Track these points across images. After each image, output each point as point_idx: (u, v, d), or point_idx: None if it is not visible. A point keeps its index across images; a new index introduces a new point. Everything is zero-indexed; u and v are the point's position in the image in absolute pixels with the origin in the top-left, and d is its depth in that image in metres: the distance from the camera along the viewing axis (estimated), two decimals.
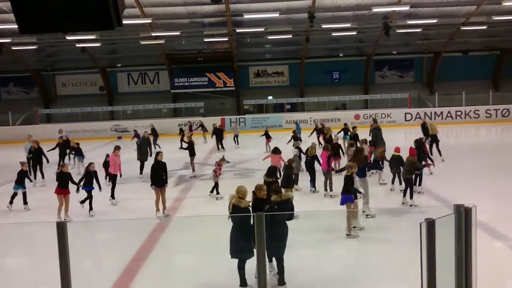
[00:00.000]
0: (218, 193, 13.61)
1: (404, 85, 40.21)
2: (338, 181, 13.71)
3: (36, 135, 27.18)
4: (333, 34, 33.83)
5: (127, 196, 14.33)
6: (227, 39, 34.05)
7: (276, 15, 28.64)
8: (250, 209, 7.59)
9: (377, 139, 16.29)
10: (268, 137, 23.18)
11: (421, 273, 4.25)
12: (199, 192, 14.99)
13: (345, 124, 22.57)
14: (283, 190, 10.76)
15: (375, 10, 28.28)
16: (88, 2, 2.99)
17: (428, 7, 30.26)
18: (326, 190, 13.55)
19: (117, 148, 14.68)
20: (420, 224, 4.16)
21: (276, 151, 15.79)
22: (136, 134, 26.95)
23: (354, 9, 30.10)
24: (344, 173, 10.86)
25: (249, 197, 7.63)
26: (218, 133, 24.85)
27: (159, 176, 11.80)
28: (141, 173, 17.35)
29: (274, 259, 7.44)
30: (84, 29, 3.16)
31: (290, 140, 19.62)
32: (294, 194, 11.77)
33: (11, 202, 13.21)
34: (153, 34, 32.12)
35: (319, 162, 13.91)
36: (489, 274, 6.99)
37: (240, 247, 7.05)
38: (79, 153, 19.10)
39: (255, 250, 5.11)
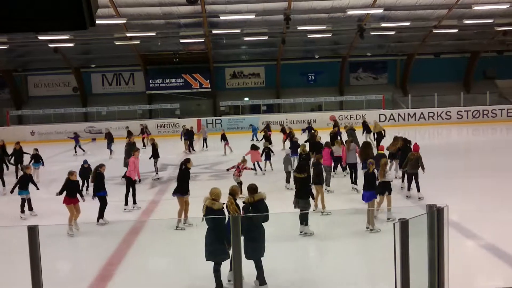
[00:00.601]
0: (241, 192, 11.99)
1: (378, 86, 40.77)
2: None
3: (7, 137, 26.59)
4: (309, 36, 34.09)
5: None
6: (203, 40, 33.93)
7: (252, 16, 28.69)
8: (225, 211, 7.57)
9: (353, 139, 16.69)
10: (225, 140, 23.28)
11: (395, 271, 4.31)
12: None
13: (309, 123, 23.04)
14: (313, 187, 10.98)
15: (350, 12, 28.61)
16: (60, 1, 2.93)
17: (401, 10, 30.77)
18: (327, 185, 13.84)
19: (137, 150, 14.26)
20: (394, 224, 4.22)
21: (255, 147, 16.10)
22: (75, 137, 26.04)
23: (329, 11, 30.38)
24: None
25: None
26: (189, 135, 24.56)
27: (186, 183, 11.29)
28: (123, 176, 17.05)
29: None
30: (56, 29, 3.07)
31: (261, 139, 19.96)
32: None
33: (22, 211, 12.42)
34: (128, 35, 31.76)
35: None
36: (461, 272, 7.14)
37: (215, 249, 7.01)
38: (37, 160, 17.68)
39: (230, 252, 5.10)
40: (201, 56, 37.63)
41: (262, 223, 7.28)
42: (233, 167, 14.24)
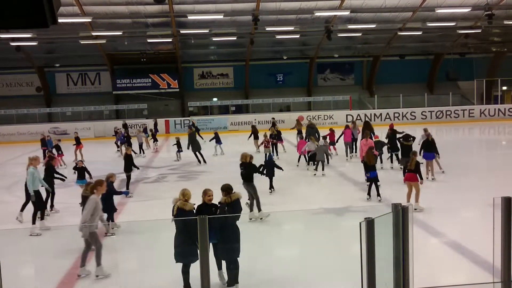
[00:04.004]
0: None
1: (345, 87, 41.37)
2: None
3: None
4: (277, 36, 34.28)
5: (69, 201, 13.78)
6: (171, 40, 33.63)
7: (221, 17, 28.62)
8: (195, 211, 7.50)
9: (310, 134, 19.21)
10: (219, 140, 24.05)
11: (361, 269, 4.37)
12: (141, 196, 14.68)
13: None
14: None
15: (317, 14, 28.91)
16: None
17: (367, 12, 31.34)
18: (347, 155, 19.55)
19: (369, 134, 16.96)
20: (360, 223, 4.27)
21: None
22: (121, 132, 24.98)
23: (297, 12, 30.64)
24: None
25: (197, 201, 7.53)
26: (127, 139, 23.53)
27: None
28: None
29: (224, 267, 7.38)
30: (16, 26, 2.98)
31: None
32: None
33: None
34: (93, 34, 31.15)
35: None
36: (425, 269, 7.31)
37: (185, 251, 6.94)
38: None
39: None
40: (169, 56, 37.28)
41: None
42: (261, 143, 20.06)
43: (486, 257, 7.73)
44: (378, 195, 12.34)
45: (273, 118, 28.23)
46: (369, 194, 12.56)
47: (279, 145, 21.23)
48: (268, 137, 19.90)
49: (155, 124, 30.28)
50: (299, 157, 18.41)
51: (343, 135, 19.83)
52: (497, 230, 4.45)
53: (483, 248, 7.94)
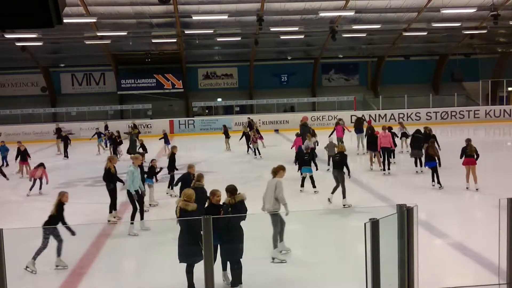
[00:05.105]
0: (259, 153, 20.91)
1: (350, 88, 41.28)
2: None
3: None
4: (282, 37, 34.25)
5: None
6: (175, 40, 33.68)
7: (225, 17, 28.65)
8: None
9: (304, 132, 19.24)
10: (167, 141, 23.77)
11: (365, 270, 4.35)
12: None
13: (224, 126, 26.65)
14: None
15: (322, 14, 28.87)
16: None
17: (372, 12, 31.27)
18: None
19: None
20: (365, 224, 4.26)
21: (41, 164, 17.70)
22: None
23: (302, 13, 30.61)
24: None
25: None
26: (113, 141, 23.22)
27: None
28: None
29: (228, 268, 7.37)
30: (21, 26, 2.99)
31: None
32: None
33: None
34: (98, 34, 31.23)
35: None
36: (430, 270, 7.28)
37: (189, 251, 6.95)
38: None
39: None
40: (174, 57, 37.33)
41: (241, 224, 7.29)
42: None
43: (491, 259, 7.68)
44: (439, 182, 13.55)
45: (249, 118, 29.19)
46: (434, 181, 13.72)
47: (259, 142, 21.95)
48: (256, 134, 21.54)
49: (106, 127, 29.64)
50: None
51: (335, 131, 20.73)
52: (502, 231, 4.43)
53: (488, 249, 7.90)
